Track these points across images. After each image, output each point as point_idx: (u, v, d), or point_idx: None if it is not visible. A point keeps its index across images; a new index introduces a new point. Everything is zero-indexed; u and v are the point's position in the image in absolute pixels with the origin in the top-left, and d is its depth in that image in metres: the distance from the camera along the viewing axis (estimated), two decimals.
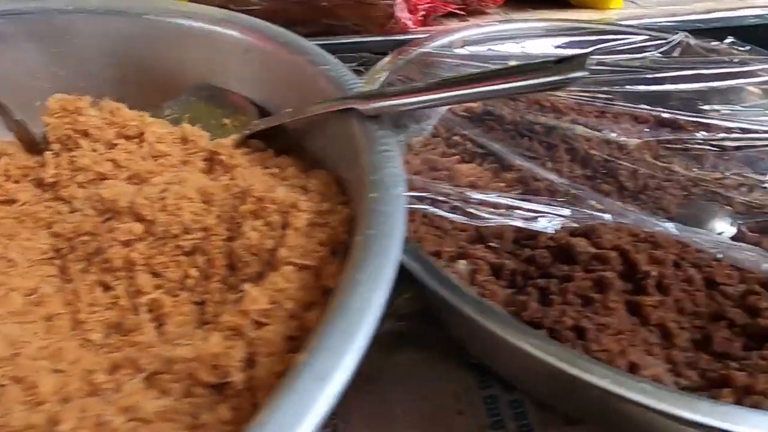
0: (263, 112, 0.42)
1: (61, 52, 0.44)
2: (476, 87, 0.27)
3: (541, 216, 0.34)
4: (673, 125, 0.50)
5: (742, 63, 0.49)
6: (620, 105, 0.49)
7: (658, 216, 0.42)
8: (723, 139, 0.48)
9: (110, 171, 0.36)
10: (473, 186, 0.41)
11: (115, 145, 0.37)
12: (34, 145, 0.38)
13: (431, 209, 0.33)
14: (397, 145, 0.28)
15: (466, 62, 0.52)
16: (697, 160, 0.48)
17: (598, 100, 0.51)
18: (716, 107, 0.49)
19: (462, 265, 0.33)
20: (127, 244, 0.30)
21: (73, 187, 0.35)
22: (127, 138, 0.38)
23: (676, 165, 0.47)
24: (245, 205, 0.30)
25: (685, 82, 0.49)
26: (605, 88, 0.54)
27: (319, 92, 0.35)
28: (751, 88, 0.49)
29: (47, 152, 0.37)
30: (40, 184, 0.36)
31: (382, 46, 0.51)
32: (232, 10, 0.47)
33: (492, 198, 0.34)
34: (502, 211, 0.35)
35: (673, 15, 0.60)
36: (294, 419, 0.16)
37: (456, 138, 0.52)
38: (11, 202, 0.35)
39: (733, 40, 0.51)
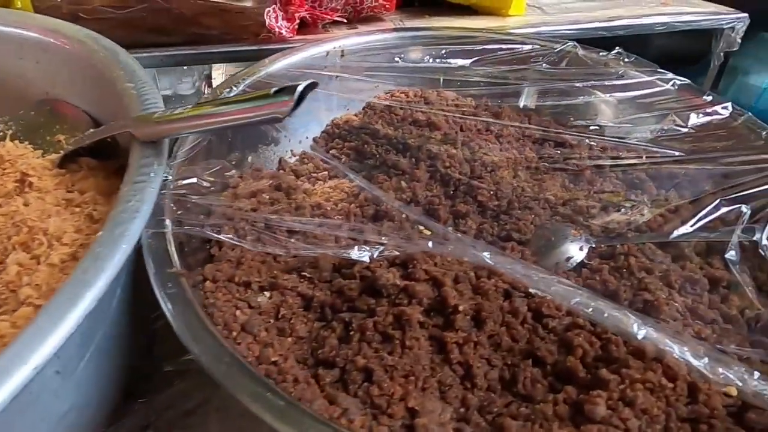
0: (99, 126, 0.40)
1: None
2: (211, 120, 0.25)
3: (359, 244, 0.32)
4: (555, 141, 0.48)
5: (620, 76, 0.47)
6: (498, 121, 0.48)
7: (513, 238, 0.40)
8: (600, 156, 0.46)
9: None
10: (318, 206, 0.40)
11: None
12: None
13: (222, 238, 0.31)
14: (159, 173, 0.26)
15: (341, 74, 0.50)
16: (575, 177, 0.46)
17: (480, 118, 0.49)
18: (599, 123, 0.47)
19: (265, 298, 0.31)
20: None
21: None
22: None
23: (548, 182, 0.45)
24: (18, 236, 0.28)
25: (559, 97, 0.47)
26: (494, 104, 0.53)
27: (128, 110, 0.33)
28: (603, 104, 0.47)
29: None
30: None
31: (257, 55, 0.49)
32: (84, 20, 0.45)
33: (303, 226, 0.33)
34: (313, 240, 0.33)
35: (576, 23, 0.59)
36: None
37: (333, 151, 0.50)
38: None
39: (619, 50, 0.50)
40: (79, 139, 0.35)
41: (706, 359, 0.25)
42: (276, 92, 0.21)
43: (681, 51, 0.72)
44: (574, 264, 0.37)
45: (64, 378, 0.21)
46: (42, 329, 0.19)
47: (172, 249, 0.29)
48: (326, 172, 0.46)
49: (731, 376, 0.24)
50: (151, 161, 0.27)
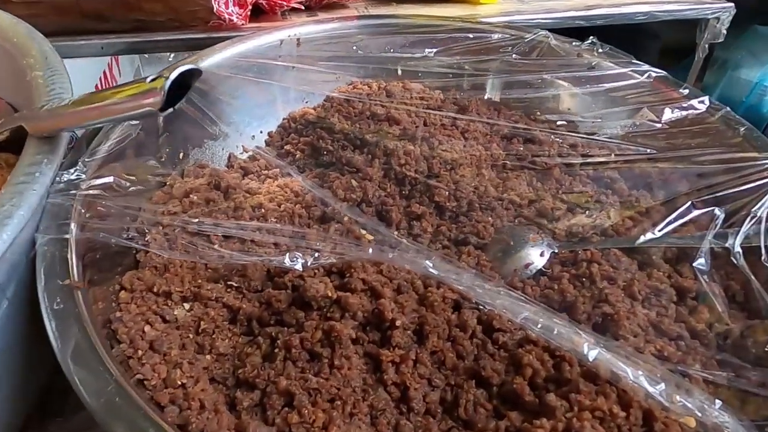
0: None
1: None
2: (90, 113, 0.22)
3: (291, 251, 0.29)
4: (524, 138, 0.45)
5: (591, 67, 0.44)
6: (463, 117, 0.45)
7: (470, 242, 0.37)
8: (570, 153, 0.43)
9: None
10: (260, 206, 0.36)
11: None
12: None
13: (128, 243, 0.28)
14: (47, 172, 0.23)
15: (298, 65, 0.47)
16: (543, 176, 0.43)
17: (446, 112, 0.46)
18: (570, 118, 0.44)
19: (183, 310, 0.28)
20: None
21: None
22: None
23: (514, 181, 0.42)
24: None
25: (526, 89, 0.44)
26: (462, 98, 0.50)
27: (36, 100, 0.30)
28: (572, 97, 0.44)
29: None
30: None
31: (205, 44, 0.45)
32: (13, 2, 0.41)
33: (230, 230, 0.29)
34: (237, 245, 0.30)
35: (552, 11, 0.55)
36: None
37: (288, 147, 0.47)
38: None
39: (593, 40, 0.46)
40: None
41: (662, 385, 0.22)
42: (153, 80, 0.18)
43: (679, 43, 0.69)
44: (534, 271, 0.34)
45: None
46: None
47: (73, 257, 0.25)
48: (278, 170, 0.43)
49: (690, 405, 0.22)
50: (41, 159, 0.24)
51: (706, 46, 0.62)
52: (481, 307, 0.30)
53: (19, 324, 0.25)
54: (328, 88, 0.49)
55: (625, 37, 0.55)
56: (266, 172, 0.44)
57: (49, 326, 0.22)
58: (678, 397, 0.22)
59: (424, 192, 0.39)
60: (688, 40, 0.65)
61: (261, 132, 0.48)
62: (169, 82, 0.17)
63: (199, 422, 0.22)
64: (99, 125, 0.25)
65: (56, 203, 0.27)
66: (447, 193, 0.39)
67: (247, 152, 0.47)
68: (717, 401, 0.22)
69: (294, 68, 0.48)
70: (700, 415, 0.21)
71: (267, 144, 0.48)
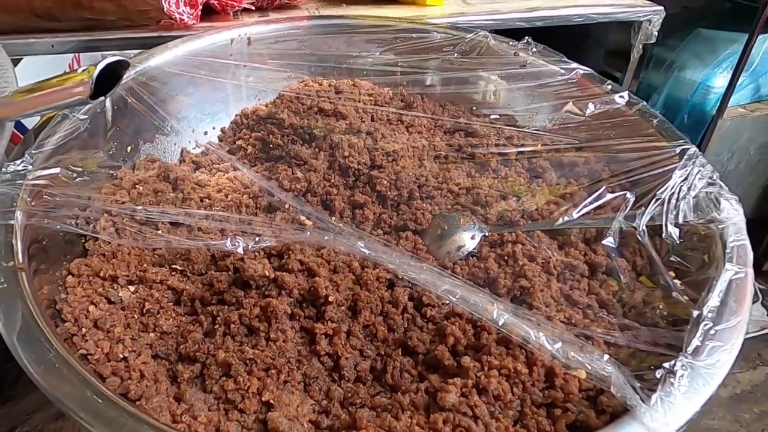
0: None
1: None
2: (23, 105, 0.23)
3: (234, 236, 0.31)
4: (466, 132, 0.48)
5: (523, 65, 0.47)
6: (408, 113, 0.47)
7: (409, 228, 0.40)
8: (506, 145, 0.46)
9: None
10: (208, 197, 0.38)
11: None
12: None
13: (74, 229, 0.29)
14: None
15: (249, 64, 0.49)
16: (482, 167, 0.46)
17: (392, 108, 0.49)
18: (505, 112, 0.47)
19: (128, 292, 0.30)
20: None
21: None
22: None
23: (454, 172, 0.45)
24: None
25: (461, 85, 0.47)
26: (409, 93, 0.52)
27: None
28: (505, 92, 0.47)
29: None
30: None
31: (155, 43, 0.47)
32: None
33: (178, 218, 0.31)
34: (183, 232, 0.31)
35: (494, 13, 0.59)
36: None
37: (240, 142, 0.49)
38: None
39: (528, 40, 0.50)
40: None
41: (560, 344, 0.25)
42: (83, 71, 0.20)
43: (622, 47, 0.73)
44: (465, 253, 0.37)
45: None
46: None
47: (18, 242, 0.27)
48: (229, 164, 0.45)
49: (581, 359, 0.25)
50: None
51: (640, 46, 0.66)
52: (413, 285, 0.32)
53: None
54: (280, 86, 0.51)
55: (571, 43, 0.58)
56: (217, 165, 0.46)
57: None
58: (572, 354, 0.25)
59: (367, 182, 0.42)
60: (629, 44, 0.69)
61: (214, 128, 0.50)
62: (96, 72, 0.19)
63: (138, 389, 0.24)
64: (36, 114, 0.27)
65: (1, 192, 0.28)
66: (388, 183, 0.41)
67: (199, 147, 0.48)
68: (605, 356, 0.25)
69: (245, 66, 0.50)
70: (589, 367, 0.24)
71: (220, 140, 0.50)
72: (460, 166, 0.46)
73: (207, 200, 0.38)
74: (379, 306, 0.31)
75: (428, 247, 0.38)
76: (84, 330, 0.26)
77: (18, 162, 0.30)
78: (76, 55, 0.73)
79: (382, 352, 0.30)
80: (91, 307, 0.27)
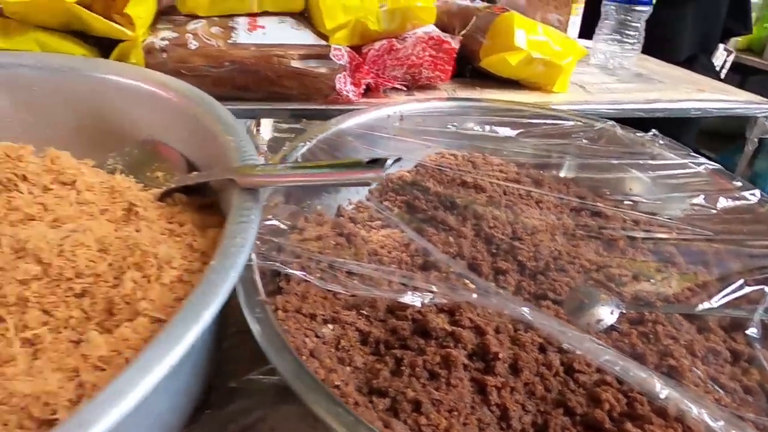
0: (193, 168, 0.46)
1: (29, 102, 0.50)
2: (309, 177, 0.30)
3: (411, 291, 0.37)
4: (591, 211, 0.52)
5: (654, 156, 0.52)
6: (537, 190, 0.52)
7: (549, 297, 0.44)
8: (633, 228, 0.50)
9: (38, 213, 0.40)
10: (375, 253, 0.44)
11: (50, 189, 0.42)
12: None
13: (300, 274, 0.36)
14: (258, 215, 0.31)
15: (397, 137, 0.56)
16: (609, 246, 0.50)
17: (522, 184, 0.54)
18: (633, 198, 0.51)
19: (328, 329, 0.35)
20: (23, 282, 0.33)
21: (4, 225, 0.40)
22: (62, 184, 0.42)
23: (583, 248, 0.49)
24: (132, 257, 0.34)
25: (593, 171, 0.52)
26: (536, 172, 0.57)
27: (226, 159, 0.39)
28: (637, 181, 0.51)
29: None
30: None
31: (325, 114, 0.55)
32: (184, 75, 0.52)
33: (366, 270, 0.37)
34: (371, 282, 0.37)
35: (616, 102, 0.64)
36: None
37: (386, 203, 0.56)
38: None
39: (655, 132, 0.54)
40: (185, 178, 0.41)
41: (722, 422, 0.28)
42: (368, 162, 0.27)
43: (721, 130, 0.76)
44: (605, 326, 0.40)
45: (171, 381, 0.26)
46: (174, 336, 0.24)
47: (257, 279, 0.34)
48: (380, 222, 0.52)
49: None
50: (251, 206, 0.32)
51: (756, 139, 0.69)
52: (563, 351, 0.36)
53: (213, 329, 0.33)
54: (420, 156, 0.58)
55: (666, 118, 0.62)
56: (370, 223, 0.52)
57: (254, 329, 0.30)
58: None
59: (509, 251, 0.47)
60: (725, 127, 0.72)
61: (364, 189, 0.57)
62: (390, 162, 0.25)
63: (358, 413, 0.29)
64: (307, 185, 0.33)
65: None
66: (528, 253, 0.46)
67: (351, 204, 0.56)
68: None
69: (395, 138, 0.58)
70: None
71: (367, 199, 0.57)
72: (588, 243, 0.50)
73: (375, 255, 0.44)
74: (535, 367, 0.35)
75: (568, 318, 0.42)
76: (304, 357, 0.32)
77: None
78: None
79: (542, 409, 0.33)
80: (306, 339, 0.33)
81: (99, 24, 0.48)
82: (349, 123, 0.53)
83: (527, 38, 0.61)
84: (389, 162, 0.25)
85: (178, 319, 0.25)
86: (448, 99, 0.61)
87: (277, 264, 0.35)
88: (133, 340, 0.28)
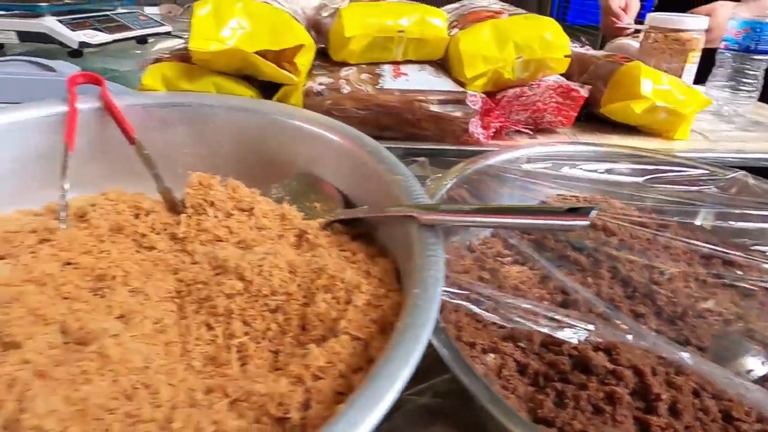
0: (347, 202, 0.51)
1: (203, 136, 0.57)
2: (504, 218, 0.34)
3: (567, 327, 0.39)
4: (723, 260, 0.53)
5: None
6: (667, 236, 0.53)
7: (692, 343, 0.44)
8: None
9: (224, 235, 0.46)
10: (516, 288, 0.47)
11: (232, 215, 0.48)
12: (174, 207, 0.50)
13: (468, 305, 0.39)
14: (442, 250, 0.35)
15: (524, 178, 0.59)
16: (746, 297, 0.50)
17: (649, 228, 0.55)
18: (762, 248, 0.51)
19: (491, 358, 0.38)
20: (229, 296, 0.39)
21: (195, 244, 0.46)
22: (241, 210, 0.49)
23: (720, 297, 0.49)
24: (320, 280, 0.39)
25: (733, 220, 0.52)
26: (658, 217, 0.58)
27: (392, 197, 0.44)
28: None
29: (183, 214, 0.48)
30: (173, 237, 0.47)
31: (457, 154, 0.59)
32: (335, 115, 0.58)
33: (525, 304, 0.40)
34: (530, 317, 0.40)
35: (739, 152, 0.64)
36: None
37: (512, 241, 0.58)
38: (151, 248, 0.46)
39: None
40: (358, 211, 0.46)
41: None
42: (567, 210, 0.30)
43: None
44: (756, 377, 0.41)
45: None
46: (405, 351, 0.27)
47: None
48: (510, 258, 0.54)
49: None
50: (434, 241, 0.36)
51: None
52: (718, 397, 0.37)
53: None
54: (543, 196, 0.61)
55: None
56: (501, 259, 0.55)
57: (441, 352, 0.33)
58: None
59: (646, 295, 0.48)
60: None
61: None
62: (594, 213, 0.28)
63: None
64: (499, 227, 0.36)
65: None
66: (666, 298, 0.47)
67: (478, 240, 0.59)
68: None
69: (521, 179, 0.61)
70: None
71: (493, 236, 0.60)
72: (724, 292, 0.50)
73: (517, 290, 0.47)
74: (693, 411, 0.36)
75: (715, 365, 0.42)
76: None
77: None
78: None
79: None
80: (476, 366, 0.36)
81: (270, 70, 0.55)
82: (483, 164, 0.56)
83: (653, 87, 0.63)
84: (593, 213, 0.28)
85: (405, 338, 0.28)
86: (573, 143, 0.63)
87: (448, 294, 0.38)
88: (342, 354, 0.32)
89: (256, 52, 0.54)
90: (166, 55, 0.59)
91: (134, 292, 0.41)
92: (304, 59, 0.56)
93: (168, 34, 1.31)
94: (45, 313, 0.33)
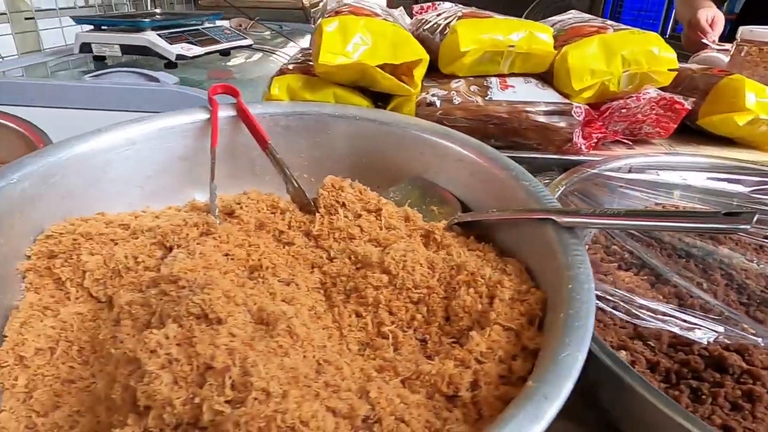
0: (464, 207, 0.54)
1: (320, 141, 0.62)
2: (653, 221, 0.36)
3: (697, 328, 0.41)
4: None
5: None
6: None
7: None
8: None
9: (357, 234, 0.50)
10: (632, 291, 0.49)
11: (360, 215, 0.52)
12: (304, 206, 0.54)
13: (600, 304, 0.41)
14: (585, 251, 0.38)
15: (628, 186, 0.61)
16: None
17: (758, 236, 0.56)
18: None
19: (623, 355, 0.41)
20: (376, 288, 0.43)
21: (330, 241, 0.50)
22: (368, 212, 0.52)
23: None
24: (460, 276, 0.42)
25: None
26: (766, 228, 0.59)
27: (520, 201, 0.47)
28: None
29: (317, 213, 0.52)
30: (307, 234, 0.51)
31: (559, 163, 0.62)
32: (445, 124, 0.62)
33: (652, 305, 0.42)
34: (660, 317, 0.42)
35: None
36: (528, 423, 0.26)
37: (615, 247, 0.60)
38: (290, 244, 0.50)
39: None
40: (488, 213, 0.49)
41: None
42: (725, 214, 0.32)
43: None
44: None
45: None
46: (578, 339, 0.30)
47: None
48: (614, 264, 0.56)
49: None
50: (576, 242, 0.39)
51: None
52: None
53: None
54: (641, 204, 0.62)
55: None
56: (606, 264, 0.57)
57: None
58: None
59: (762, 303, 0.49)
60: None
61: (590, 231, 0.63)
62: (755, 219, 0.30)
63: None
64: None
65: None
66: None
67: None
68: None
69: (623, 187, 0.62)
70: None
71: (593, 242, 0.62)
72: None
73: (632, 293, 0.49)
74: None
75: None
76: None
77: None
78: None
79: None
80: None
81: (388, 82, 0.59)
82: (590, 172, 0.59)
83: (756, 100, 0.64)
84: (755, 217, 0.30)
85: (574, 327, 0.31)
86: (674, 153, 0.64)
87: None
88: (499, 342, 0.36)
89: (376, 66, 0.58)
90: (290, 68, 0.64)
91: (283, 282, 0.45)
92: (420, 72, 0.60)
93: (249, 47, 1.39)
94: (235, 295, 0.37)
